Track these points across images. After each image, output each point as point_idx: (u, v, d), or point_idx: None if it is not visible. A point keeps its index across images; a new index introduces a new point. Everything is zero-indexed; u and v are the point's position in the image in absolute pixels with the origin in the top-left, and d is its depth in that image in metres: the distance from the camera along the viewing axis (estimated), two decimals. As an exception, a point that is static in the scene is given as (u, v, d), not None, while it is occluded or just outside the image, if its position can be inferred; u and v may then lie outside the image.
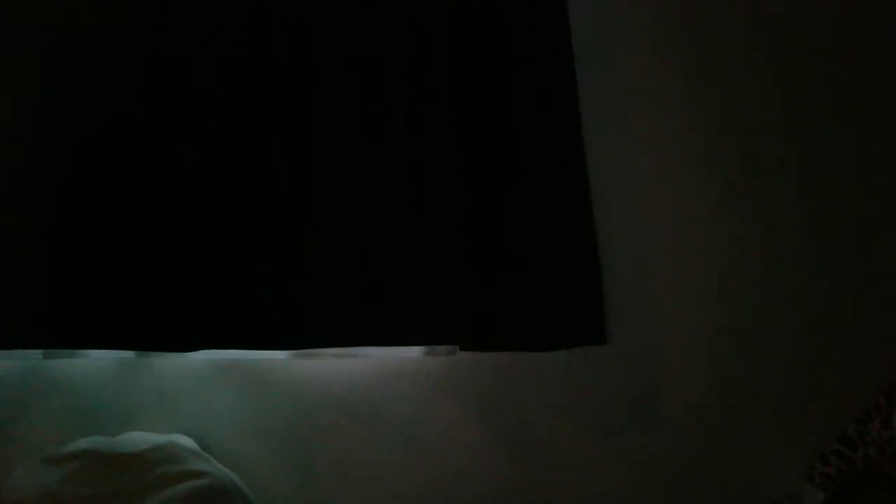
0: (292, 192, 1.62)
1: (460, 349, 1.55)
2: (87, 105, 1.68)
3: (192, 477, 1.48)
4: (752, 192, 1.60)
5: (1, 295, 1.63)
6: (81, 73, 1.69)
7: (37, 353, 1.75)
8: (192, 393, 1.70)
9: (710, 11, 1.64)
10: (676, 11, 1.66)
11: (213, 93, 1.65)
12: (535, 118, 1.57)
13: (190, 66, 1.66)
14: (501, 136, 1.58)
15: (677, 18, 1.65)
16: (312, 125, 1.63)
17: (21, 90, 1.70)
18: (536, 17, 1.58)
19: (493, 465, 1.61)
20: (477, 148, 1.58)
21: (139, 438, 1.60)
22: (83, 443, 1.58)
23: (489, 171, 1.57)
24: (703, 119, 1.62)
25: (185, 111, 1.65)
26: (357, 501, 1.64)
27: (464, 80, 1.59)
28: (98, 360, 1.74)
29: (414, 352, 1.65)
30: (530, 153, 1.56)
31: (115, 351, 1.70)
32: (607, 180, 1.63)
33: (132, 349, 1.60)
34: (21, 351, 1.73)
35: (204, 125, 1.64)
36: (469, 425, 1.62)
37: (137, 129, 1.66)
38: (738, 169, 1.60)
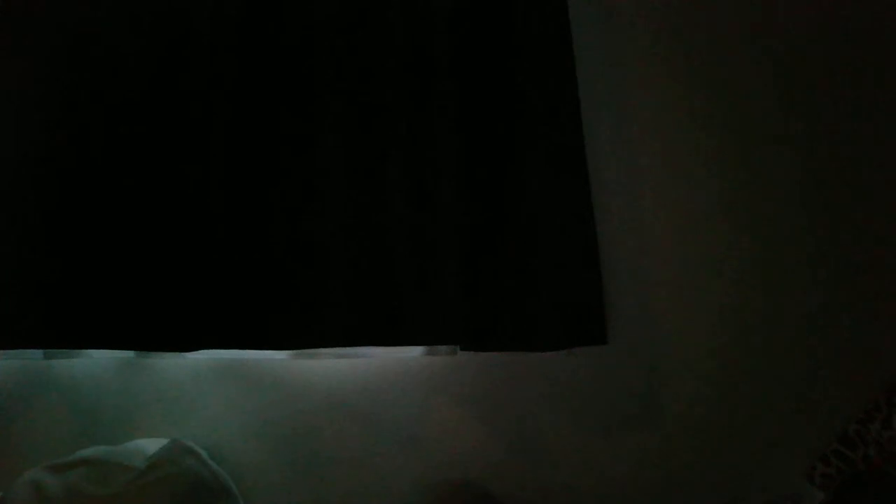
0: (292, 193, 1.62)
1: (460, 349, 1.55)
2: (87, 107, 1.68)
3: (191, 480, 1.48)
4: (753, 192, 1.59)
5: (2, 295, 1.63)
6: (82, 74, 1.69)
7: (38, 353, 1.75)
8: (192, 393, 1.70)
9: (710, 11, 1.65)
10: (677, 11, 1.66)
11: (213, 95, 1.65)
12: (535, 118, 1.57)
13: (191, 69, 1.66)
14: (502, 137, 1.58)
15: (678, 18, 1.65)
16: (312, 127, 1.63)
17: (22, 90, 1.70)
18: (536, 18, 1.59)
19: (494, 465, 1.61)
20: (477, 149, 1.58)
21: (141, 446, 1.61)
22: (86, 452, 1.59)
23: (489, 172, 1.57)
24: (703, 119, 1.62)
25: (185, 113, 1.66)
26: (357, 501, 1.64)
27: (464, 80, 1.59)
28: (98, 360, 1.75)
29: (414, 352, 1.65)
30: (530, 153, 1.56)
31: (115, 351, 1.70)
32: (607, 180, 1.63)
33: (132, 349, 1.60)
34: (22, 350, 1.73)
35: (203, 128, 1.65)
36: (469, 425, 1.63)
37: (137, 130, 1.66)
38: (739, 169, 1.60)
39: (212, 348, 1.58)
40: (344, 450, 1.65)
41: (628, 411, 1.58)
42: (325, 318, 1.57)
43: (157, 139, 1.65)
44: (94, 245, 1.64)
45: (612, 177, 1.63)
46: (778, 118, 1.60)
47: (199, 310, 1.59)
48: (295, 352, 1.69)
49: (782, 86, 1.61)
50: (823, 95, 1.59)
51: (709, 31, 1.64)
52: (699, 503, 1.55)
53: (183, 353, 1.71)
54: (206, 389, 1.70)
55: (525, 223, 1.55)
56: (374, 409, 1.65)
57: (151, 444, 1.62)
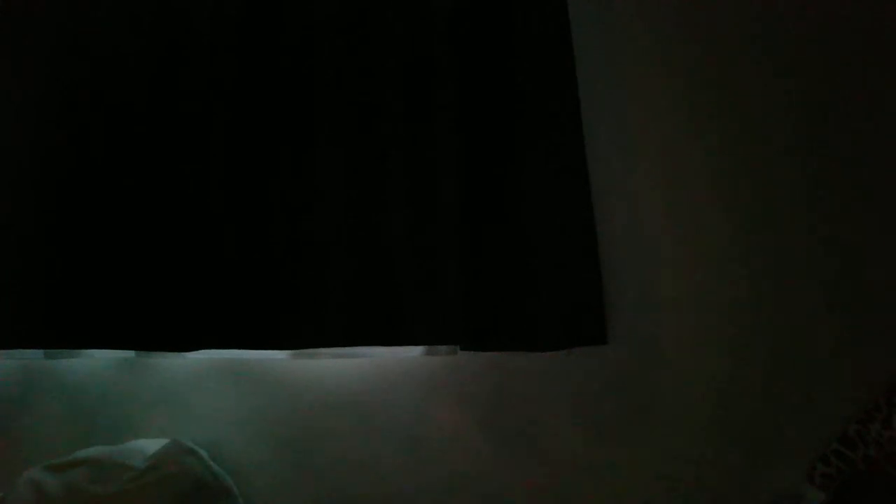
0: (292, 193, 1.62)
1: (460, 349, 1.55)
2: (87, 106, 1.68)
3: (191, 480, 1.48)
4: (753, 192, 1.59)
5: (3, 295, 1.63)
6: (82, 74, 1.69)
7: (38, 353, 1.75)
8: (192, 393, 1.70)
9: (710, 11, 1.64)
10: (677, 11, 1.66)
11: (213, 95, 1.65)
12: (535, 118, 1.57)
13: (191, 69, 1.66)
14: (502, 137, 1.58)
15: (678, 18, 1.65)
16: (312, 126, 1.63)
17: (22, 90, 1.70)
18: (536, 18, 1.59)
19: (493, 465, 1.61)
20: (477, 149, 1.58)
21: (141, 446, 1.61)
22: (86, 452, 1.59)
23: (489, 172, 1.57)
24: (704, 119, 1.62)
25: (185, 113, 1.66)
26: (357, 501, 1.64)
27: (464, 80, 1.59)
28: (99, 360, 1.75)
29: (414, 352, 1.66)
30: (530, 153, 1.56)
31: (115, 350, 1.70)
32: (607, 180, 1.63)
33: (133, 349, 1.60)
34: (22, 350, 1.73)
35: (204, 128, 1.65)
36: (469, 425, 1.63)
37: (137, 130, 1.66)
38: (738, 168, 1.60)
39: (212, 348, 1.58)
40: (344, 450, 1.65)
41: (628, 411, 1.58)
42: (325, 318, 1.57)
43: (157, 139, 1.65)
44: (94, 245, 1.64)
45: (612, 177, 1.63)
46: (778, 118, 1.60)
47: (199, 310, 1.59)
48: (295, 352, 1.69)
49: (782, 86, 1.61)
50: (823, 95, 1.59)
51: (709, 31, 1.64)
52: (699, 503, 1.55)
53: (183, 353, 1.71)
54: (206, 389, 1.70)
55: (525, 223, 1.55)
56: (374, 409, 1.65)
57: (151, 444, 1.62)
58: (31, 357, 1.75)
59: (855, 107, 1.58)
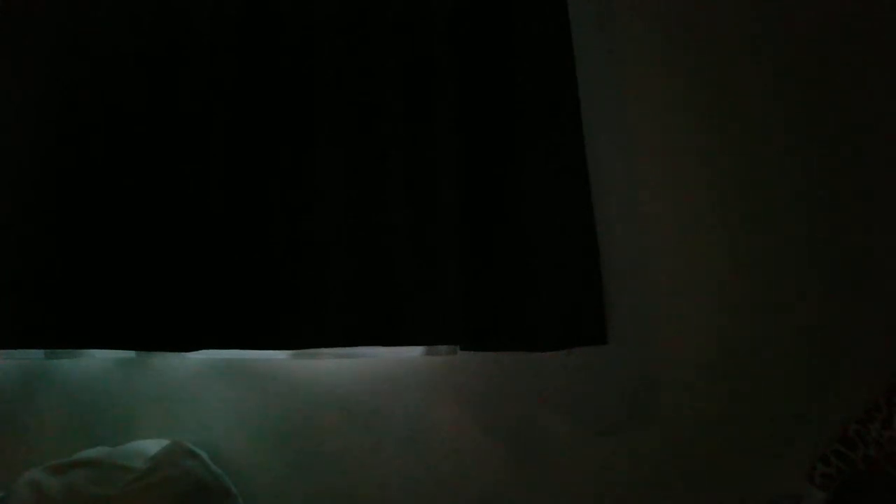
0: (292, 193, 1.62)
1: (460, 349, 1.55)
2: (87, 106, 1.68)
3: (192, 482, 1.48)
4: (752, 192, 1.59)
5: (3, 295, 1.63)
6: (82, 74, 1.69)
7: (38, 353, 1.75)
8: (192, 393, 1.70)
9: (710, 11, 1.64)
10: (676, 11, 1.65)
11: (213, 95, 1.65)
12: (535, 118, 1.57)
13: (191, 69, 1.66)
14: (502, 137, 1.58)
15: (677, 18, 1.65)
16: (312, 126, 1.63)
17: (22, 90, 1.70)
18: (536, 18, 1.58)
19: (493, 465, 1.61)
20: (477, 149, 1.58)
21: (142, 447, 1.61)
22: (86, 452, 1.59)
23: (490, 172, 1.57)
24: (703, 119, 1.62)
25: (185, 113, 1.65)
26: (357, 501, 1.64)
27: (464, 80, 1.59)
28: (99, 360, 1.75)
29: (414, 352, 1.65)
30: (531, 154, 1.56)
31: (116, 351, 1.70)
32: (607, 180, 1.63)
33: (133, 349, 1.60)
34: (23, 350, 1.73)
35: (204, 127, 1.65)
36: (469, 425, 1.63)
37: (137, 130, 1.66)
38: (738, 169, 1.60)
39: (212, 348, 1.58)
40: (344, 450, 1.65)
41: (628, 411, 1.58)
42: (326, 318, 1.57)
43: (157, 139, 1.65)
44: (94, 245, 1.64)
45: (612, 177, 1.63)
46: (778, 118, 1.60)
47: (199, 310, 1.59)
48: (295, 352, 1.69)
49: (782, 86, 1.61)
50: (823, 95, 1.59)
51: (709, 31, 1.64)
52: (699, 503, 1.55)
53: (183, 353, 1.71)
54: (206, 389, 1.70)
55: (525, 223, 1.55)
56: (374, 408, 1.65)
57: (152, 445, 1.61)
58: (31, 357, 1.75)
59: (855, 107, 1.58)
